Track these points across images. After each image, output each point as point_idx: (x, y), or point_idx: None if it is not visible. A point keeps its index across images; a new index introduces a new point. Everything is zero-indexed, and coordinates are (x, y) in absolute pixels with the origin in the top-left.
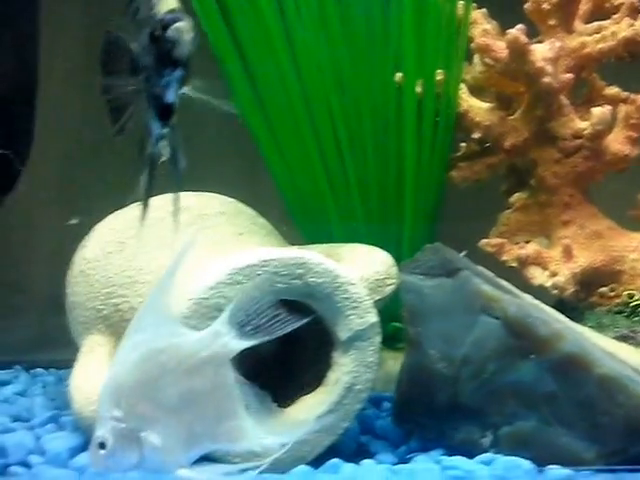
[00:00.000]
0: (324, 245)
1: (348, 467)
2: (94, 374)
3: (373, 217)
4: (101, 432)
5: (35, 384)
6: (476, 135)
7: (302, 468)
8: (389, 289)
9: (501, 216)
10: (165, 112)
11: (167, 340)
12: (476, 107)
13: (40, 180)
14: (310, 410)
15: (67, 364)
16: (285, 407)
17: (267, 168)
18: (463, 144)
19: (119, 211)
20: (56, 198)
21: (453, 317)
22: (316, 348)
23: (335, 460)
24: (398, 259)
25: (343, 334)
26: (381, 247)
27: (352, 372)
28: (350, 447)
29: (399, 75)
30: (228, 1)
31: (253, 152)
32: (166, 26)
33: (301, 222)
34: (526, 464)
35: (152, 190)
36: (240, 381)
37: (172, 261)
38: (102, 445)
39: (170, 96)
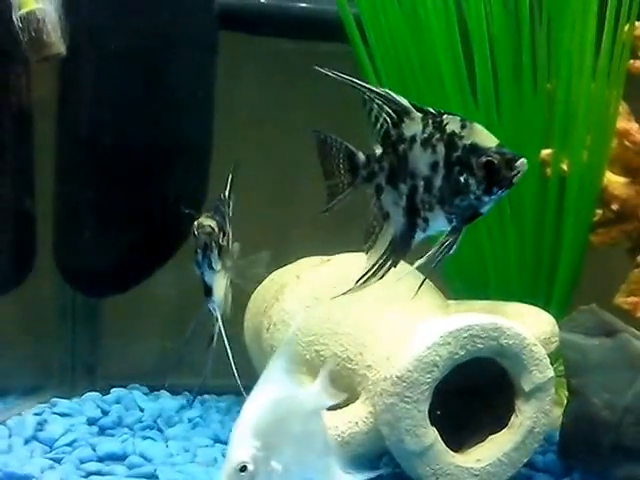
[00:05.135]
0: (487, 302)
1: None
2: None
3: (527, 276)
4: (242, 457)
5: (207, 410)
6: (614, 207)
7: None
8: (553, 346)
9: (631, 274)
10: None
11: (288, 391)
12: (614, 181)
13: None
14: (499, 447)
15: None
16: (472, 445)
17: None
18: (599, 210)
19: (309, 266)
20: None
21: (614, 372)
22: (492, 396)
23: None
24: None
25: (527, 386)
26: (532, 302)
27: (532, 417)
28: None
29: (547, 152)
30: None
31: None
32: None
33: (456, 277)
34: None
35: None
36: None
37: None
38: (243, 468)
39: None
